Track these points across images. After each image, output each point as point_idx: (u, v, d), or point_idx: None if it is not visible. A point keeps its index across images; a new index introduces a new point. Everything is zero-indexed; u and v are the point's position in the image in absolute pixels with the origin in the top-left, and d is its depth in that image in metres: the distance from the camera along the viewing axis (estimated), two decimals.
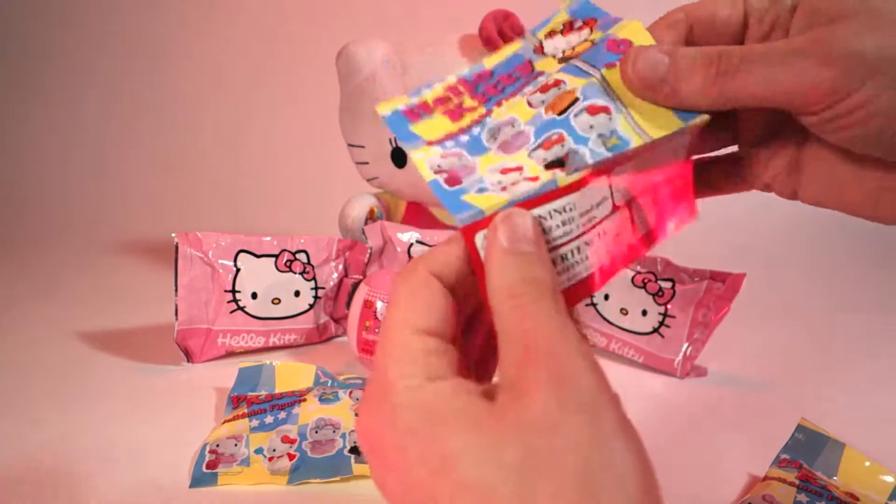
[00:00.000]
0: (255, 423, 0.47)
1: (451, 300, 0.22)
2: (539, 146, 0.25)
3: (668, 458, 0.47)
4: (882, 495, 0.42)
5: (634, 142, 0.24)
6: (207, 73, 1.41)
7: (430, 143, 0.26)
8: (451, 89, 0.28)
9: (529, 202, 0.22)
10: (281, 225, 1.10)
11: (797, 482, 0.41)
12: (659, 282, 0.61)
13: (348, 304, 0.65)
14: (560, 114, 0.25)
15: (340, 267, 0.67)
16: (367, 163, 0.76)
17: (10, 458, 0.46)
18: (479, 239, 0.22)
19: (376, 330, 0.58)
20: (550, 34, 0.29)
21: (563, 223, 0.23)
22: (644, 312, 0.62)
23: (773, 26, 0.25)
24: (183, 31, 1.41)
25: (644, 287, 0.61)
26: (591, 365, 0.18)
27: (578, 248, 0.23)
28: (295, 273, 0.64)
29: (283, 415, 0.48)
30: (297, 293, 0.65)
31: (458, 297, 0.22)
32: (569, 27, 0.29)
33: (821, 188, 0.27)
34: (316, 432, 0.46)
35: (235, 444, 0.46)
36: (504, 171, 0.24)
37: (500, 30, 0.67)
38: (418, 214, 0.77)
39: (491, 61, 0.28)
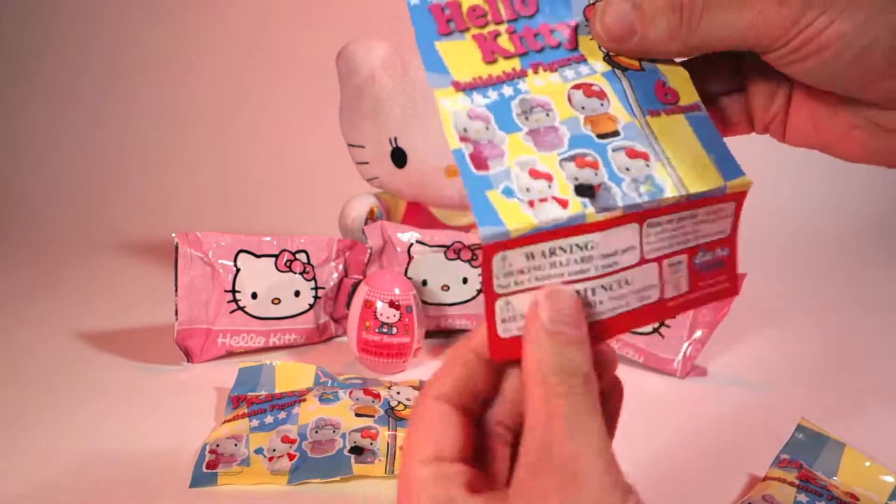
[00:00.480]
0: (255, 423, 0.47)
1: (458, 419, 0.22)
2: (572, 158, 0.24)
3: (668, 458, 0.47)
4: (882, 495, 0.42)
5: (669, 190, 0.24)
6: (207, 73, 1.41)
7: (457, 87, 0.24)
8: (490, 0, 0.26)
9: (555, 232, 0.22)
10: (281, 225, 1.10)
11: (797, 482, 0.41)
12: None
13: (348, 304, 0.65)
14: (599, 137, 0.24)
15: (340, 267, 0.67)
16: (367, 163, 0.76)
17: (9, 458, 0.46)
18: (497, 260, 0.22)
19: (376, 330, 0.58)
20: None
21: (583, 259, 0.23)
22: None
23: None
24: (183, 31, 1.41)
25: None
26: (606, 464, 0.19)
27: (594, 290, 0.23)
28: (295, 273, 0.64)
29: (283, 415, 0.48)
30: (297, 293, 0.65)
31: (471, 410, 0.23)
32: None
33: (801, 127, 0.28)
34: (316, 432, 0.46)
35: (235, 444, 0.46)
36: (533, 175, 0.23)
37: None
38: (418, 214, 0.77)
39: None
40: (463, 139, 0.23)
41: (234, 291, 0.62)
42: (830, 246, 1.09)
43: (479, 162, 0.23)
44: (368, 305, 0.58)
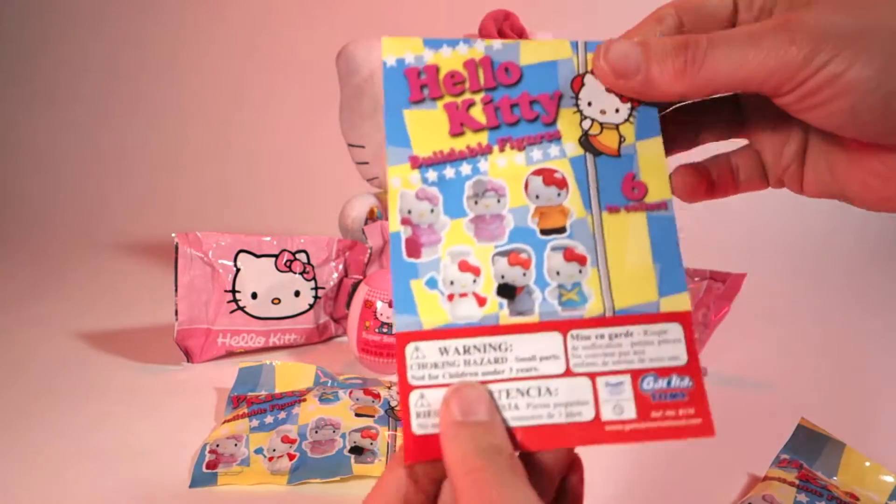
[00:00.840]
0: (255, 423, 0.47)
1: None
2: (506, 254, 0.24)
3: (668, 458, 0.47)
4: (882, 495, 0.42)
5: (592, 304, 0.23)
6: (207, 73, 1.41)
7: (414, 162, 0.24)
8: (470, 66, 0.25)
9: (468, 330, 0.22)
10: (281, 225, 1.10)
11: (797, 482, 0.41)
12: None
13: (348, 304, 0.65)
14: (543, 233, 0.24)
15: (340, 267, 0.67)
16: (367, 163, 0.76)
17: (9, 458, 0.46)
18: (410, 350, 0.22)
19: (376, 330, 0.58)
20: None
21: (496, 360, 0.23)
22: None
23: (762, 12, 0.25)
24: (183, 31, 1.41)
25: None
26: None
27: (508, 392, 0.22)
28: (295, 273, 0.64)
29: (283, 415, 0.48)
30: (297, 293, 0.65)
31: None
32: None
33: (819, 177, 0.27)
34: (316, 432, 0.46)
35: (235, 444, 0.46)
36: (462, 268, 0.23)
37: (500, 30, 0.67)
38: None
39: (528, 56, 0.25)
40: (404, 222, 0.24)
41: (234, 291, 0.62)
42: (831, 246, 1.09)
43: (413, 248, 0.23)
44: (368, 305, 0.58)
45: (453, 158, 0.24)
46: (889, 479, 0.42)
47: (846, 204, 0.27)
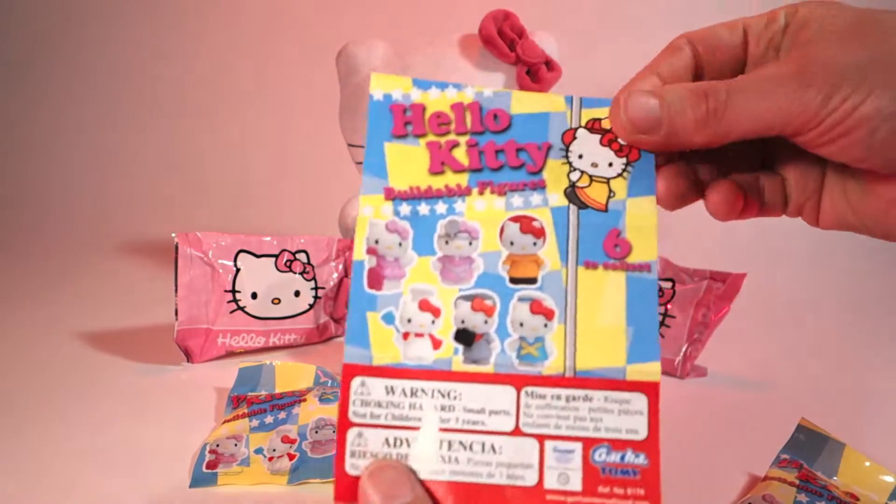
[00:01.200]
0: (255, 423, 0.47)
1: None
2: (470, 298, 0.23)
3: (668, 457, 0.47)
4: (882, 495, 0.42)
5: (552, 360, 0.22)
6: (207, 73, 1.41)
7: (388, 194, 0.23)
8: (458, 109, 0.24)
9: (418, 372, 0.22)
10: (281, 225, 1.10)
11: (797, 482, 0.41)
12: (658, 282, 0.61)
13: (348, 304, 0.65)
14: (513, 281, 0.23)
15: (340, 267, 0.67)
16: None
17: (9, 458, 0.46)
18: (356, 384, 0.22)
19: None
20: (593, 125, 0.25)
21: (443, 408, 0.22)
22: None
23: (769, 46, 0.25)
24: (182, 31, 1.41)
25: None
26: None
27: (451, 444, 0.22)
28: (295, 273, 0.64)
29: (283, 415, 0.48)
30: (297, 293, 0.65)
31: None
32: (613, 135, 0.25)
33: (836, 209, 0.27)
34: (316, 432, 0.46)
35: (235, 444, 0.46)
36: (423, 307, 0.23)
37: (500, 30, 0.67)
38: None
39: (519, 105, 0.25)
40: (370, 251, 0.23)
41: (234, 291, 0.62)
42: (831, 245, 1.09)
43: (375, 280, 0.23)
44: None
45: (430, 196, 0.24)
46: (889, 479, 0.42)
47: None
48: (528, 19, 0.70)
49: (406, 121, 0.24)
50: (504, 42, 0.66)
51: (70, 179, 1.34)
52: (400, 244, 0.23)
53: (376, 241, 0.23)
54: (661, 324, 0.61)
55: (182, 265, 0.60)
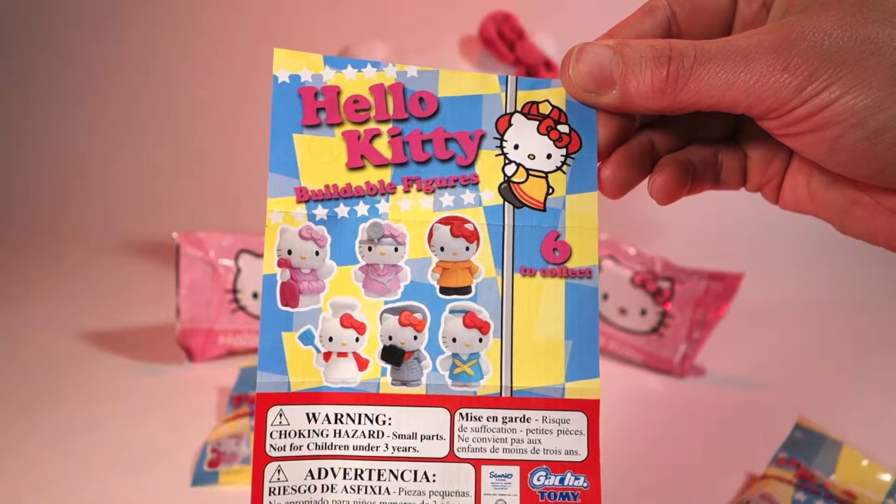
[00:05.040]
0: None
1: None
2: (397, 311, 0.21)
3: (666, 456, 0.48)
4: (879, 493, 0.42)
5: (488, 380, 0.21)
6: (207, 73, 1.41)
7: (301, 195, 0.20)
8: (378, 92, 0.21)
9: (342, 396, 0.20)
10: None
11: (795, 480, 0.41)
12: (658, 281, 0.61)
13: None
14: (443, 292, 0.21)
15: None
16: None
17: (9, 458, 0.46)
18: (273, 415, 0.19)
19: None
20: (530, 109, 0.22)
21: (371, 434, 0.20)
22: (643, 312, 0.62)
23: (763, 7, 0.23)
24: (182, 31, 1.41)
25: (643, 287, 0.62)
26: None
27: (381, 473, 0.20)
28: None
29: None
30: None
31: None
32: (555, 117, 0.22)
33: (796, 195, 0.25)
34: None
35: (237, 443, 0.46)
36: (345, 323, 0.20)
37: (500, 31, 0.67)
38: None
39: (448, 87, 0.22)
40: (282, 263, 0.20)
41: (235, 291, 0.63)
42: (830, 245, 1.09)
43: (289, 296, 0.20)
44: None
45: (348, 195, 0.21)
46: (886, 477, 0.43)
47: None
48: (528, 20, 0.71)
49: (318, 106, 0.21)
50: (503, 43, 0.67)
51: (70, 179, 1.34)
52: (317, 253, 0.21)
53: (289, 252, 0.20)
54: (660, 323, 0.61)
55: (183, 265, 0.61)
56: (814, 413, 0.48)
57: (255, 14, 1.39)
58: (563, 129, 0.22)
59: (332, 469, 0.20)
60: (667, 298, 0.61)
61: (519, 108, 0.22)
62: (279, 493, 0.19)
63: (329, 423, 0.20)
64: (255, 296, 0.63)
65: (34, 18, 1.43)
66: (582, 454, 0.21)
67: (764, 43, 0.20)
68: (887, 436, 0.51)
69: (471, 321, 0.21)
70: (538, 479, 0.21)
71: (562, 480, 0.21)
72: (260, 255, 0.63)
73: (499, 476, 0.21)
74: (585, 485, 0.21)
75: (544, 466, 0.21)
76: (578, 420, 0.21)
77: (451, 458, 0.20)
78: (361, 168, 0.21)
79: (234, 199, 1.28)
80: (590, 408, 0.21)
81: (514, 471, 0.21)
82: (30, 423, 0.51)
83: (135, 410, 0.53)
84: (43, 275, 0.92)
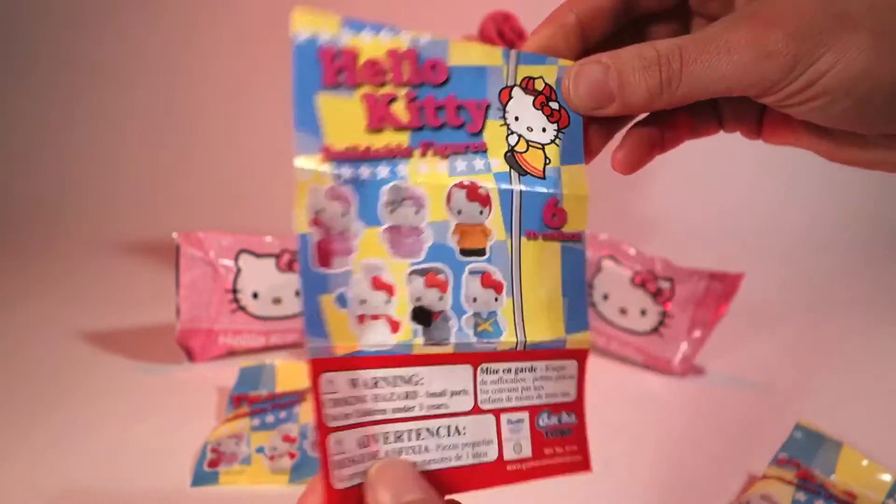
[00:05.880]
0: (256, 422, 0.47)
1: None
2: (423, 273, 0.21)
3: (666, 457, 0.48)
4: (879, 493, 0.42)
5: (507, 335, 0.22)
6: (208, 73, 1.41)
7: (327, 154, 0.21)
8: (394, 56, 0.21)
9: (378, 359, 0.20)
10: (281, 225, 1.10)
11: (795, 481, 0.41)
12: (658, 281, 0.61)
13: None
14: (463, 253, 0.22)
15: None
16: None
17: (10, 459, 0.46)
18: (325, 382, 0.19)
19: None
20: (527, 84, 0.23)
21: (407, 395, 0.20)
22: (643, 312, 0.62)
23: None
24: (184, 31, 1.41)
25: (643, 287, 0.62)
26: None
27: (419, 433, 0.20)
28: (296, 273, 0.65)
29: (283, 414, 0.48)
30: (297, 293, 0.65)
31: None
32: (547, 94, 0.24)
33: (779, 134, 0.26)
34: None
35: (236, 443, 0.46)
36: (376, 284, 0.20)
37: (500, 31, 0.67)
38: None
39: (457, 56, 0.22)
40: (315, 222, 0.20)
41: (235, 291, 0.63)
42: (829, 245, 1.09)
43: (324, 256, 0.20)
44: None
45: (370, 157, 0.21)
46: (886, 477, 0.43)
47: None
48: (528, 20, 0.71)
49: (338, 68, 0.21)
50: (504, 43, 0.67)
51: (70, 179, 1.34)
52: (343, 214, 0.20)
53: (319, 211, 0.20)
54: (660, 323, 0.61)
55: (183, 265, 0.61)
56: (814, 413, 0.48)
57: (255, 15, 1.39)
58: (554, 105, 0.24)
59: (374, 435, 0.20)
60: (667, 298, 0.61)
61: (518, 82, 0.23)
62: (346, 466, 0.19)
63: (367, 388, 0.20)
64: (255, 296, 0.63)
65: (34, 18, 1.43)
66: (573, 395, 0.24)
67: (743, 33, 0.21)
68: (887, 436, 0.51)
69: (487, 281, 0.22)
70: (542, 421, 0.23)
71: (559, 419, 0.23)
72: (260, 256, 0.63)
73: (514, 422, 0.22)
74: (574, 420, 0.23)
75: (547, 409, 0.23)
76: (572, 366, 0.23)
77: (476, 410, 0.21)
78: (381, 131, 0.21)
79: (234, 199, 1.28)
80: (581, 356, 0.24)
81: (525, 416, 0.22)
82: (30, 423, 0.51)
83: (135, 410, 0.53)
84: (43, 275, 0.92)
